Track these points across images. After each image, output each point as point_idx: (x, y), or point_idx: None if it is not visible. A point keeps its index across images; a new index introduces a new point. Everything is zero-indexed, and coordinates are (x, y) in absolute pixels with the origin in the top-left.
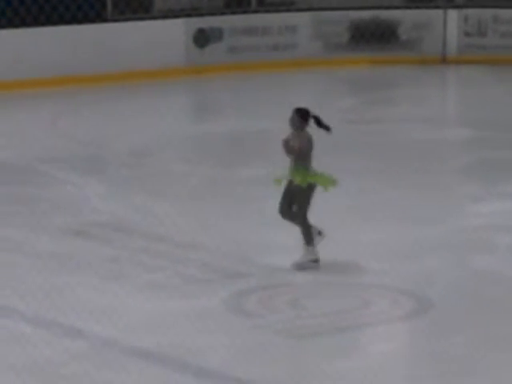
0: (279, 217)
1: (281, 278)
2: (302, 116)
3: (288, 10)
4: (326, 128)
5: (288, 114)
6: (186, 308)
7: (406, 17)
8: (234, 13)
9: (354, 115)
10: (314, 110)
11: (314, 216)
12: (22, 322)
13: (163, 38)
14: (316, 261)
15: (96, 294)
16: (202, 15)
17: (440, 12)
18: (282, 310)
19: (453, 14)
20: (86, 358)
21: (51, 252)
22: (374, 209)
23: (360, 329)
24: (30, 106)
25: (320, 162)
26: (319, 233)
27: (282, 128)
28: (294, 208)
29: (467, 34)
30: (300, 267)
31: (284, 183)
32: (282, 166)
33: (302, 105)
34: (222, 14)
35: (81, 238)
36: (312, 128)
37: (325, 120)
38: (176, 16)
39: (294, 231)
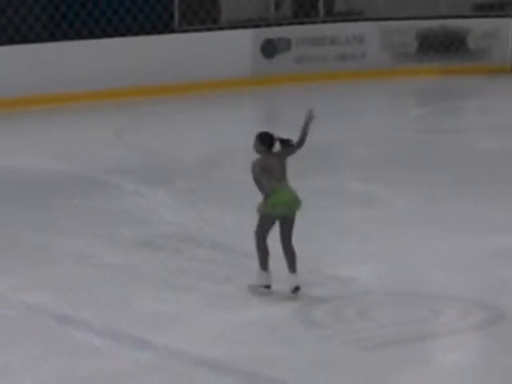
0: (350, 227)
1: (350, 289)
2: (262, 141)
3: (356, 20)
4: (298, 144)
5: (357, 124)
6: (255, 319)
7: (474, 26)
8: (301, 23)
9: (422, 125)
10: (383, 121)
11: (386, 227)
12: (90, 333)
13: (230, 48)
14: (268, 287)
15: (164, 305)
16: (269, 25)
17: (509, 21)
18: (351, 321)
19: None
20: (154, 370)
21: (119, 263)
22: (443, 219)
23: (430, 340)
24: (98, 118)
25: (389, 172)
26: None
27: (351, 138)
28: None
29: None
30: (252, 290)
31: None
32: (349, 176)
33: (370, 115)
34: (290, 24)
35: (149, 250)
36: None
37: (394, 131)
38: (244, 26)
39: (364, 242)
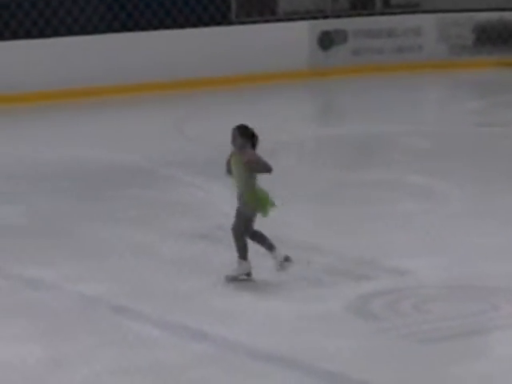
0: (408, 220)
1: (407, 282)
2: (244, 134)
3: (413, 12)
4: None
5: (414, 116)
6: (312, 311)
7: None
8: (359, 15)
9: (479, 118)
10: (440, 113)
11: (443, 220)
12: (148, 324)
13: (287, 40)
14: (249, 274)
15: (222, 297)
16: (326, 17)
17: None
18: (407, 314)
19: None
20: (212, 362)
21: (176, 255)
22: (500, 212)
23: (487, 333)
24: (157, 110)
25: (446, 165)
26: (286, 259)
27: (408, 131)
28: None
29: None
30: (232, 279)
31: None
32: (407, 168)
33: (427, 107)
34: (347, 16)
35: (205, 242)
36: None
37: (451, 123)
38: (301, 18)
39: (421, 235)
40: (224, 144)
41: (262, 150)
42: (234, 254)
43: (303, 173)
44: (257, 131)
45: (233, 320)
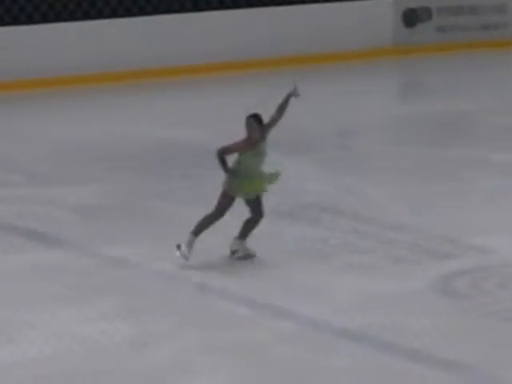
0: (491, 198)
1: (491, 260)
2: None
3: None
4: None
5: (499, 94)
6: (396, 289)
7: None
8: None
9: None
10: None
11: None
12: (233, 303)
13: (371, 17)
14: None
15: (305, 275)
16: None
17: None
18: (492, 292)
19: None
20: (297, 340)
21: (260, 233)
22: None
23: None
24: (237, 89)
25: None
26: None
27: (493, 108)
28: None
29: None
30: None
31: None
32: (491, 146)
33: None
34: None
35: (289, 219)
36: None
37: None
38: None
39: (504, 213)
40: (305, 122)
41: (346, 128)
42: (317, 231)
43: (386, 150)
44: (339, 109)
45: (317, 298)
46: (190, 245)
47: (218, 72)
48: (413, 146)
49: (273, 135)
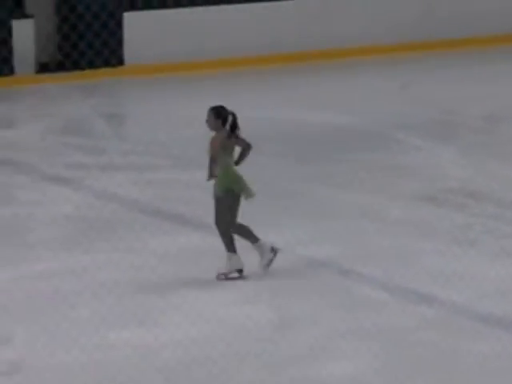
0: None
1: None
2: (219, 116)
3: None
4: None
5: None
6: None
7: None
8: None
9: None
10: None
11: None
12: (376, 288)
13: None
14: (240, 271)
15: (449, 260)
16: None
17: None
18: None
19: None
20: (439, 325)
21: (404, 218)
22: None
23: None
24: (381, 73)
25: None
26: (272, 249)
27: None
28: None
29: None
30: (223, 277)
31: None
32: None
33: None
34: None
35: (433, 204)
36: None
37: None
38: None
39: None
40: (449, 107)
41: (491, 113)
42: (462, 216)
43: None
44: (482, 94)
45: (461, 283)
46: (235, 265)
47: (371, 55)
48: None
49: (418, 120)
